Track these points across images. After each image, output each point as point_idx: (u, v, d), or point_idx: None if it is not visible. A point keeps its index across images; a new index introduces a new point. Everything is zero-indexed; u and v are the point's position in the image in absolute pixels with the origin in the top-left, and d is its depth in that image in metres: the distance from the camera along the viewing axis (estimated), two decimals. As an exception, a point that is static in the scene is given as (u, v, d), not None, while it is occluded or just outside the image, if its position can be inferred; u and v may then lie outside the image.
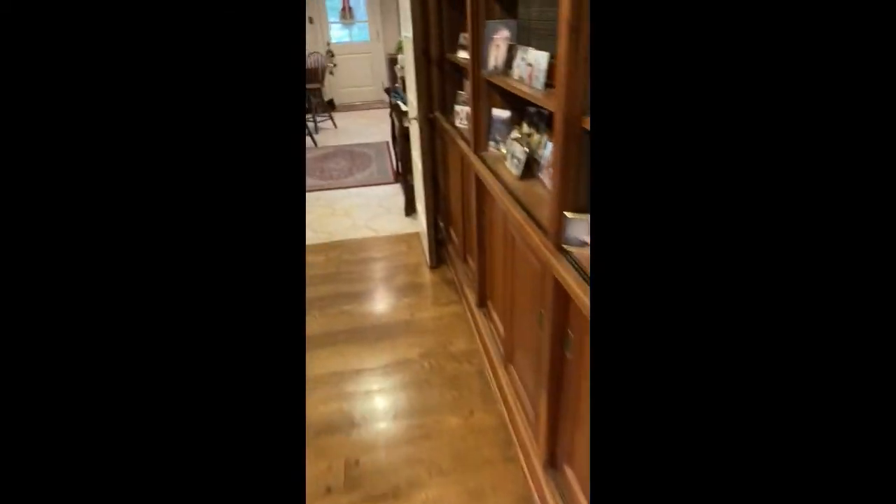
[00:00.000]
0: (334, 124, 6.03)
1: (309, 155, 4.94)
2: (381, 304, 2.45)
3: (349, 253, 2.97)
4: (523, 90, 1.33)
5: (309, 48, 6.57)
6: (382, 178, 4.21)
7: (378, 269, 2.77)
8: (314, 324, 2.30)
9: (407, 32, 2.48)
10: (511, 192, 1.44)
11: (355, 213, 3.53)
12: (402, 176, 3.46)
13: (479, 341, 2.07)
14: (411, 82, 2.55)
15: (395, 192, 3.87)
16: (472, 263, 2.21)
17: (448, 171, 2.62)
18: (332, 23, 7.01)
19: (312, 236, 3.20)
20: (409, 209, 3.43)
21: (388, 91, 3.75)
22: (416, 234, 3.15)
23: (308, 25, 6.68)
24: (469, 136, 1.88)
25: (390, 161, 4.58)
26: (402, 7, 2.58)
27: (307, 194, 3.93)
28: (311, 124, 5.83)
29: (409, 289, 2.55)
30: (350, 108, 7.08)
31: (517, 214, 1.32)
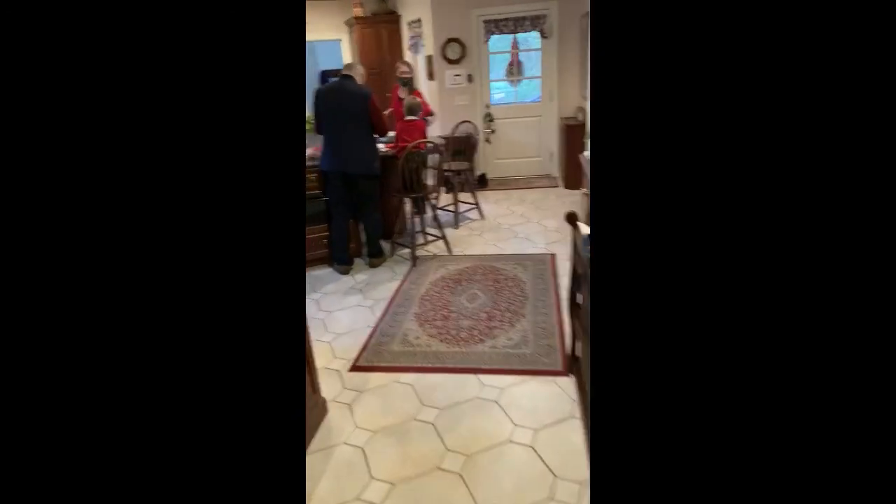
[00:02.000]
0: (481, 214, 4.35)
1: (437, 273, 3.27)
2: None
3: None
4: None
5: (464, 114, 5.08)
6: (543, 356, 2.29)
7: None
8: None
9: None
10: None
11: (483, 481, 1.67)
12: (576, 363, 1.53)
13: None
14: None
15: (567, 407, 1.92)
16: None
17: None
18: (495, 81, 5.47)
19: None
20: None
21: (572, 221, 1.85)
22: None
23: (466, 84, 5.22)
24: None
25: (557, 308, 2.66)
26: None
27: (411, 375, 2.21)
28: (450, 215, 4.24)
29: None
30: (506, 184, 5.38)
31: None
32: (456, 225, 4.16)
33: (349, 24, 6.34)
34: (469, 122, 4.39)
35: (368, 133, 3.18)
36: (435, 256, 3.56)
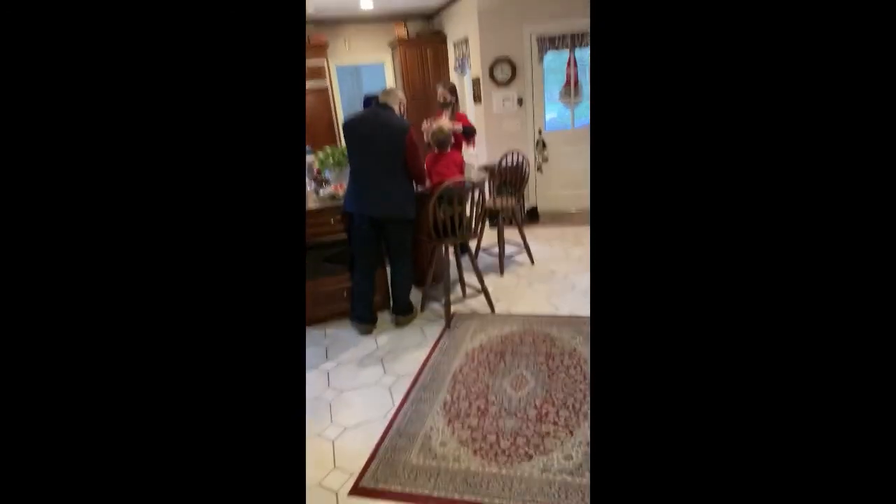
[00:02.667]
0: (530, 257, 3.71)
1: (476, 340, 2.66)
2: None
3: None
4: None
5: (513, 140, 4.50)
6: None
7: None
8: None
9: None
10: None
11: None
12: None
13: None
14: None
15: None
16: None
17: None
18: (549, 103, 4.86)
19: None
20: None
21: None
22: None
23: (516, 108, 4.65)
24: None
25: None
26: None
27: (430, 509, 1.60)
28: (494, 258, 3.63)
29: None
30: (560, 219, 4.72)
31: None
32: (500, 271, 3.54)
33: (392, 45, 5.96)
34: (517, 150, 3.79)
35: (402, 171, 2.65)
36: (474, 314, 2.95)
